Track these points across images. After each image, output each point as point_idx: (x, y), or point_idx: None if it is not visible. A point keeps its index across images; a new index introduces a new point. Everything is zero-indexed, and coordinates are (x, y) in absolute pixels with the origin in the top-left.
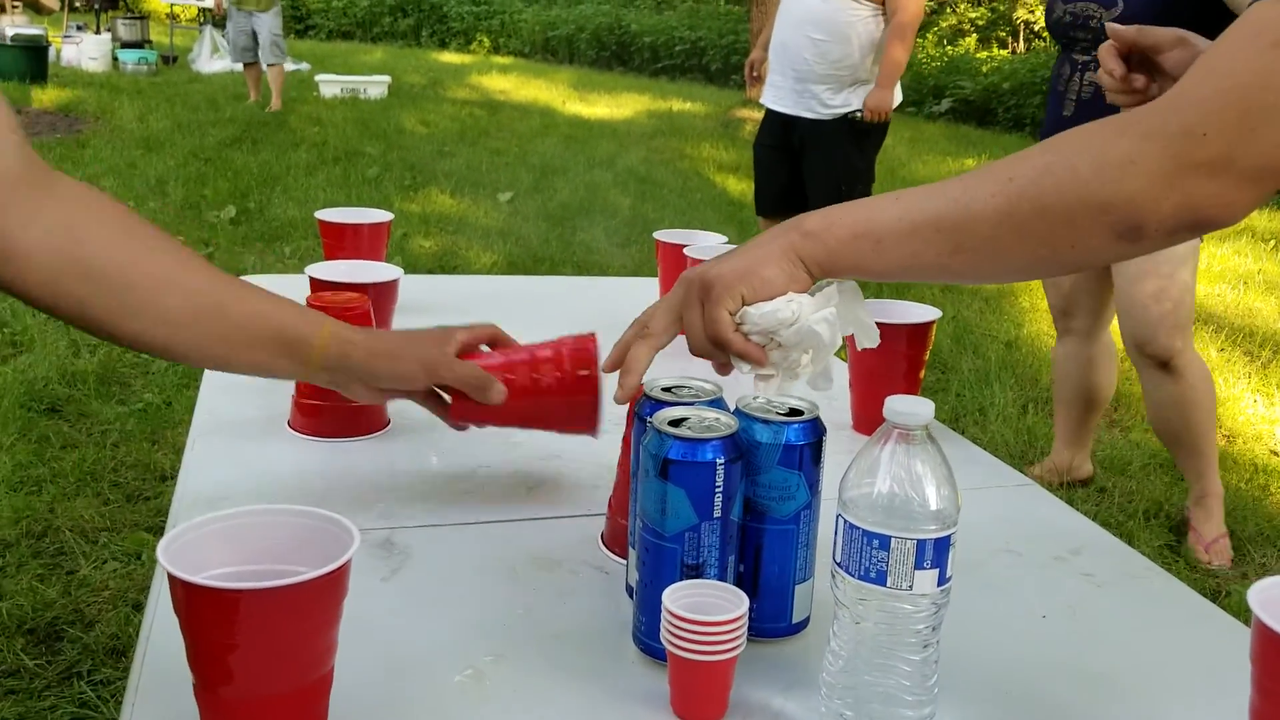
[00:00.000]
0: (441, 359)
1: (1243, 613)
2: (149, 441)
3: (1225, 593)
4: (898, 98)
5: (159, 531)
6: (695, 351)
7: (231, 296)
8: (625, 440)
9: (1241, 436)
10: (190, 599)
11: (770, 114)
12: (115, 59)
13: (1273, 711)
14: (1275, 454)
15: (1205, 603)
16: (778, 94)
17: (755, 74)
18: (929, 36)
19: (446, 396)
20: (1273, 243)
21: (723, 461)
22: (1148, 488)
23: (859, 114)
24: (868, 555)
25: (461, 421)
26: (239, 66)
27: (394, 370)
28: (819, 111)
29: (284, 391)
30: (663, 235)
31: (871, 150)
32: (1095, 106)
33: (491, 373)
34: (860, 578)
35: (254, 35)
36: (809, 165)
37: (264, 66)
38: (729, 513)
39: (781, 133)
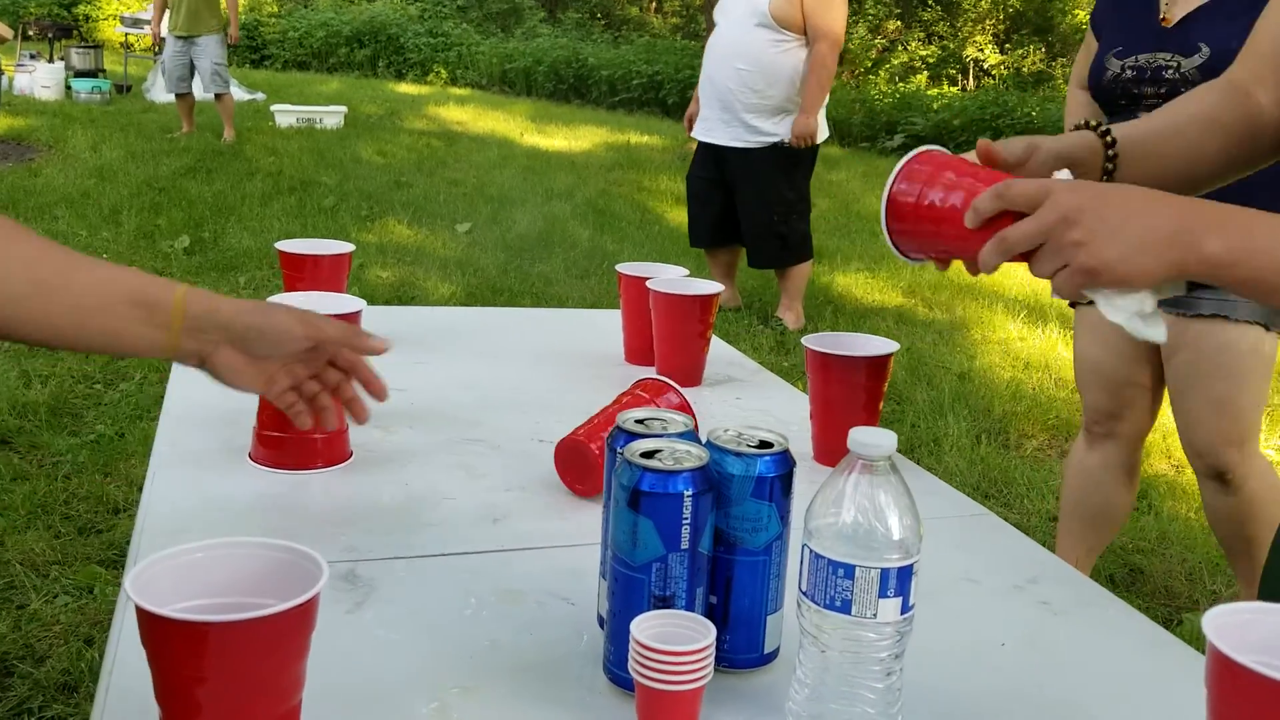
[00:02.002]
0: (314, 315)
1: (1196, 640)
2: (101, 474)
3: (1179, 621)
4: (824, 128)
5: (111, 565)
6: (1034, 273)
7: (75, 264)
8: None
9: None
10: (158, 632)
11: (702, 147)
12: (69, 87)
13: None
14: None
15: (1160, 630)
16: (708, 126)
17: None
18: (881, 74)
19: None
20: None
21: (691, 493)
22: None
23: (785, 142)
24: (833, 584)
25: None
26: (198, 96)
27: (268, 323)
28: (748, 141)
29: (245, 423)
30: (625, 268)
31: (803, 179)
32: None
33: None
34: (826, 606)
35: (191, 66)
36: (741, 196)
37: (211, 97)
38: (697, 544)
39: (714, 165)
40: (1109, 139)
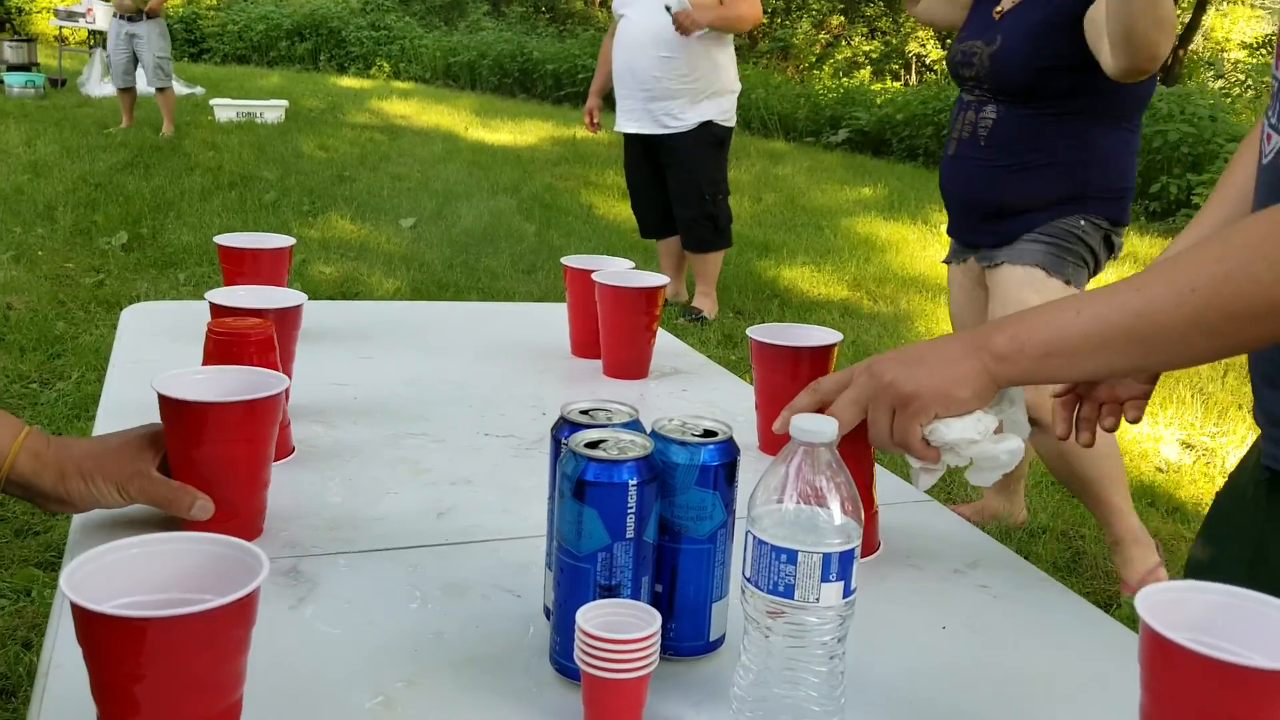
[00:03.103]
0: (136, 475)
1: (1132, 621)
2: None
3: (1116, 604)
4: (731, 113)
5: (48, 567)
6: (876, 444)
7: None
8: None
9: (1128, 454)
10: (95, 628)
11: (630, 140)
12: (1, 82)
13: (1161, 711)
14: (1161, 471)
15: (1098, 612)
16: (632, 117)
17: (596, 122)
18: (825, 68)
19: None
20: None
21: (636, 483)
22: (1040, 503)
23: (713, 121)
24: (776, 570)
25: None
26: (140, 90)
27: (87, 493)
28: (676, 125)
29: None
30: (571, 261)
31: (725, 160)
32: (974, 144)
33: None
34: (769, 592)
35: (135, 58)
36: (673, 179)
37: (152, 91)
38: (642, 533)
39: (644, 155)
40: None
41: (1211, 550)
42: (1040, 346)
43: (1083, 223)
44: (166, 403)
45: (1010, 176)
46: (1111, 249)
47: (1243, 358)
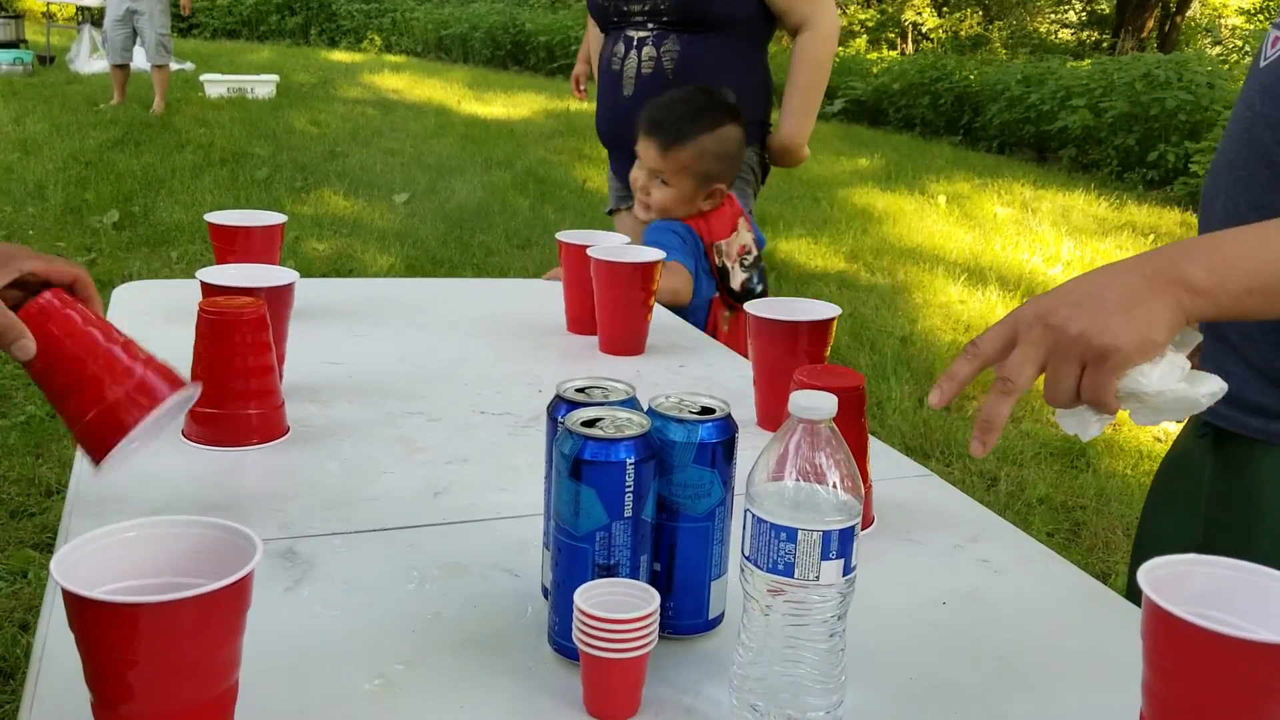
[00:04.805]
0: None
1: (1130, 591)
2: (33, 455)
3: (1114, 574)
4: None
5: (45, 549)
6: (1056, 403)
7: None
8: None
9: (1126, 424)
10: (87, 615)
11: None
12: None
13: (1163, 685)
14: (1159, 440)
15: (1097, 584)
16: None
17: (582, 88)
18: None
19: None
20: (1152, 236)
21: (634, 461)
22: (1039, 476)
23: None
24: (775, 548)
25: None
26: (135, 66)
27: None
28: None
29: None
30: (565, 236)
31: None
32: (657, 83)
33: (50, 315)
34: (769, 570)
35: (134, 34)
36: None
37: (149, 67)
38: (640, 512)
39: None
40: None
41: (1163, 520)
42: (1243, 282)
43: (752, 153)
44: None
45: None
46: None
47: None
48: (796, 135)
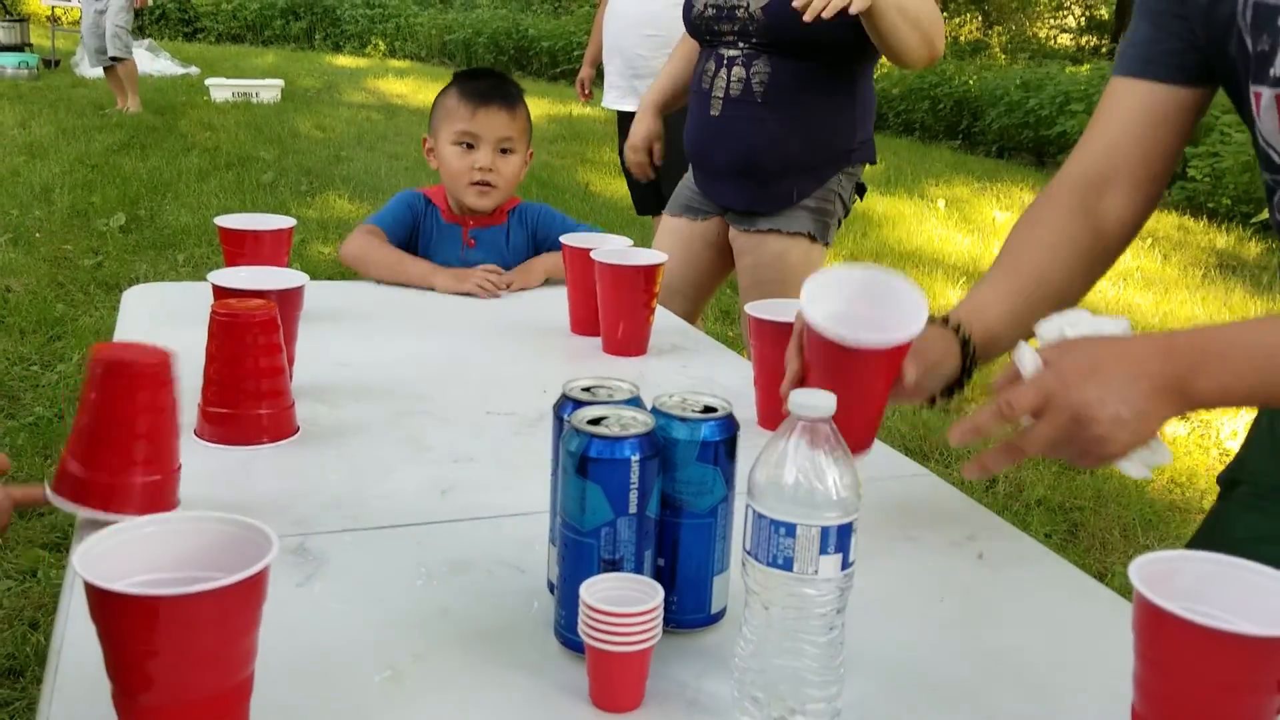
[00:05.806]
0: None
1: (1126, 590)
2: (41, 456)
3: (1110, 574)
4: None
5: (55, 548)
6: (1031, 454)
7: None
8: None
9: None
10: (108, 607)
11: (622, 117)
12: None
13: (1154, 678)
14: None
15: (1092, 582)
16: (620, 94)
17: (587, 91)
18: None
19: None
20: (1149, 240)
21: (639, 458)
22: (1037, 478)
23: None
24: (775, 543)
25: None
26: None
27: None
28: None
29: (190, 400)
30: (569, 240)
31: None
32: (744, 103)
33: None
34: (769, 564)
35: (103, 35)
36: (664, 153)
37: (109, 62)
38: (644, 508)
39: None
40: (969, 348)
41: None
42: (1245, 393)
43: (841, 179)
44: None
45: (783, 135)
46: (861, 191)
47: None
48: None
